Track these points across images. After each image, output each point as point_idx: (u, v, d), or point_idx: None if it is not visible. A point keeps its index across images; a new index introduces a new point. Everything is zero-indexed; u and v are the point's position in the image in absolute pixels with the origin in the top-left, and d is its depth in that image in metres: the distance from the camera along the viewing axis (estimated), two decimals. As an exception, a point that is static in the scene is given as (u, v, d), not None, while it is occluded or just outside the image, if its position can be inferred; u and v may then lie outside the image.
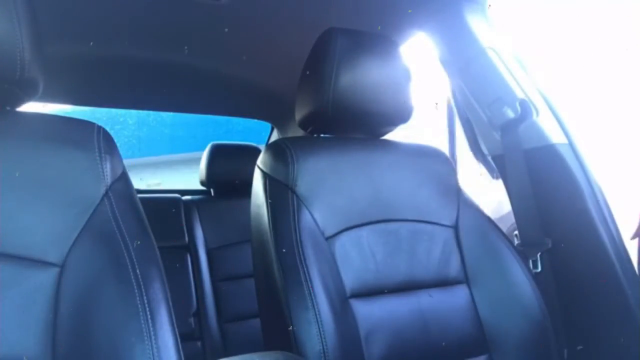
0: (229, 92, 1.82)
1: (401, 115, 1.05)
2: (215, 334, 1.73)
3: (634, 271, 0.97)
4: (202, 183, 2.01)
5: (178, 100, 1.91)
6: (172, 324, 0.63)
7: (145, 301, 0.61)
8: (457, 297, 0.97)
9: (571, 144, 1.05)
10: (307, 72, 1.03)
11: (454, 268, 0.99)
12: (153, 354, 0.59)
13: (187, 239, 1.84)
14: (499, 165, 1.19)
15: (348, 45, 0.97)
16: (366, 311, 0.88)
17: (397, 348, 0.88)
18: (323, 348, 0.79)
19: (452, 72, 1.23)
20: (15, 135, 0.66)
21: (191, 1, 1.17)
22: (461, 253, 1.01)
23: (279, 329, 0.85)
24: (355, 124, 1.06)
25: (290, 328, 0.80)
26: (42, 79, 0.70)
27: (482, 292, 0.98)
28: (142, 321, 0.60)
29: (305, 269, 0.84)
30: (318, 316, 0.80)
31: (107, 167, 0.68)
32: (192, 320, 1.71)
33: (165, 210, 1.86)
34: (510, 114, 1.09)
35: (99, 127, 0.71)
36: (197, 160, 2.04)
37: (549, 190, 1.07)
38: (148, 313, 0.61)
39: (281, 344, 0.84)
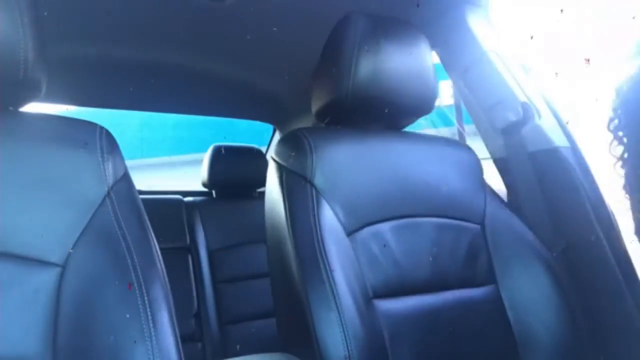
0: (231, 93, 1.82)
1: (424, 106, 1.00)
2: (216, 336, 1.73)
3: (636, 276, 0.96)
4: (204, 184, 2.01)
5: (181, 101, 1.91)
6: (172, 325, 0.63)
7: (146, 302, 0.61)
8: (485, 298, 0.91)
9: (573, 148, 1.05)
10: (325, 59, 0.97)
11: (481, 268, 0.93)
12: (154, 355, 0.59)
13: (188, 240, 1.84)
14: (500, 168, 1.19)
15: (369, 31, 0.91)
16: (390, 312, 0.82)
17: (422, 352, 0.82)
18: (349, 352, 0.73)
19: (454, 74, 1.23)
20: (18, 135, 0.66)
21: (194, 3, 1.17)
22: (488, 252, 0.94)
23: (297, 330, 0.80)
24: (376, 115, 0.99)
25: (312, 330, 0.75)
26: (45, 79, 0.70)
27: (511, 293, 0.92)
28: (143, 322, 0.60)
29: (327, 266, 0.77)
30: (342, 318, 0.74)
31: (109, 167, 0.68)
32: (192, 321, 1.71)
33: (167, 212, 1.86)
34: (513, 117, 1.09)
35: (102, 128, 0.71)
36: (200, 162, 2.04)
37: (555, 193, 1.06)
38: (149, 314, 0.61)
39: (301, 346, 0.79)
